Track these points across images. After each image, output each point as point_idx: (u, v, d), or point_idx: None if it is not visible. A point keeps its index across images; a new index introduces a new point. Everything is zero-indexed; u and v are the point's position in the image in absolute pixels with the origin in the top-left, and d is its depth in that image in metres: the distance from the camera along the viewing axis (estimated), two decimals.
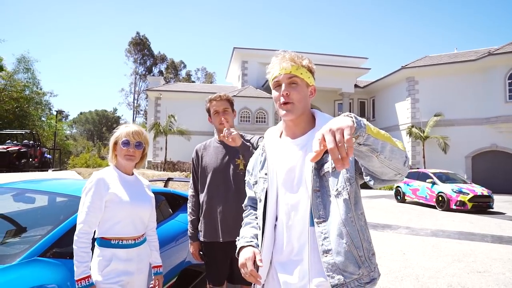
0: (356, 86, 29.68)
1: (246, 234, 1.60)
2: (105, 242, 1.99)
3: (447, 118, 22.70)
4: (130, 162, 2.13)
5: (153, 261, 2.28)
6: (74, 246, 1.86)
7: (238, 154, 2.58)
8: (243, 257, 1.49)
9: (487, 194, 13.35)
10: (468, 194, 13.11)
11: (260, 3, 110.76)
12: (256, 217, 1.64)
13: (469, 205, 12.95)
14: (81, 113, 72.00)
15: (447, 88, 22.90)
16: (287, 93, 1.44)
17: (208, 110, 2.65)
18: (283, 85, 1.46)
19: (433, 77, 23.06)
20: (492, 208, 13.30)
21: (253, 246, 1.53)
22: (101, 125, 70.16)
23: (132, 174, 2.22)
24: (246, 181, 1.74)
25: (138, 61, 64.42)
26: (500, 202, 15.29)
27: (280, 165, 1.50)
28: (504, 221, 10.81)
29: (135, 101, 66.00)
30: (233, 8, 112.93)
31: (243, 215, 1.74)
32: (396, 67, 25.23)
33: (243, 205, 1.79)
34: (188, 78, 67.72)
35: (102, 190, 1.98)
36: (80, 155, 42.93)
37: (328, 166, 1.39)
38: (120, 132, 2.15)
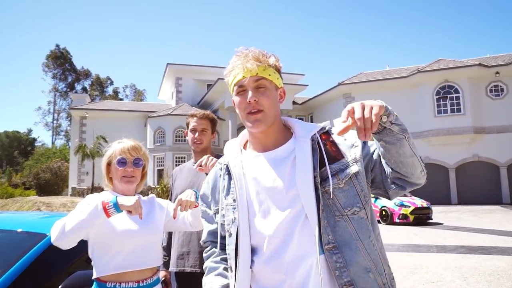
0: (294, 103, 29.79)
1: (212, 286, 1.29)
2: (100, 286, 1.66)
3: None
4: (130, 184, 1.83)
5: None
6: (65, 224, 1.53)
7: None
8: None
9: (426, 205, 13.96)
10: (410, 206, 13.51)
11: (191, 20, 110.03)
12: (221, 259, 1.34)
13: (411, 217, 13.40)
14: None
15: None
16: (255, 100, 1.21)
17: (187, 125, 2.57)
18: (250, 91, 1.22)
19: (368, 93, 23.83)
20: (431, 219, 13.84)
21: None
22: (11, 149, 62.22)
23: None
24: (201, 211, 1.45)
25: (58, 77, 59.59)
26: (437, 213, 15.94)
27: (255, 186, 1.25)
28: (443, 231, 11.42)
29: (55, 121, 60.79)
30: (164, 22, 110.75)
31: (203, 255, 1.44)
32: (332, 84, 25.89)
33: (201, 241, 1.47)
34: (116, 96, 64.11)
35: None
36: None
37: (335, 182, 1.15)
38: (113, 150, 1.87)
